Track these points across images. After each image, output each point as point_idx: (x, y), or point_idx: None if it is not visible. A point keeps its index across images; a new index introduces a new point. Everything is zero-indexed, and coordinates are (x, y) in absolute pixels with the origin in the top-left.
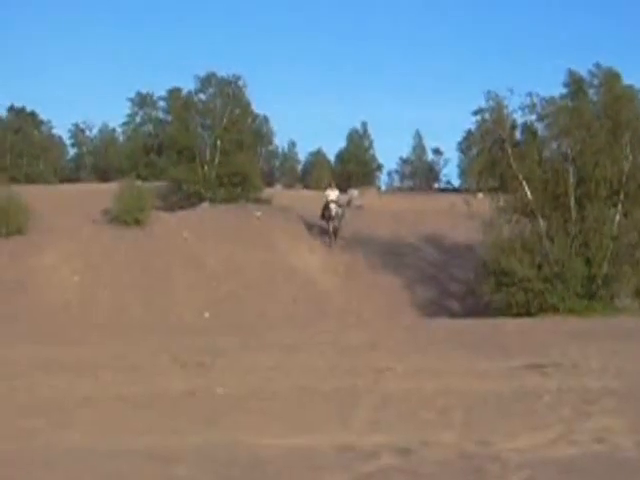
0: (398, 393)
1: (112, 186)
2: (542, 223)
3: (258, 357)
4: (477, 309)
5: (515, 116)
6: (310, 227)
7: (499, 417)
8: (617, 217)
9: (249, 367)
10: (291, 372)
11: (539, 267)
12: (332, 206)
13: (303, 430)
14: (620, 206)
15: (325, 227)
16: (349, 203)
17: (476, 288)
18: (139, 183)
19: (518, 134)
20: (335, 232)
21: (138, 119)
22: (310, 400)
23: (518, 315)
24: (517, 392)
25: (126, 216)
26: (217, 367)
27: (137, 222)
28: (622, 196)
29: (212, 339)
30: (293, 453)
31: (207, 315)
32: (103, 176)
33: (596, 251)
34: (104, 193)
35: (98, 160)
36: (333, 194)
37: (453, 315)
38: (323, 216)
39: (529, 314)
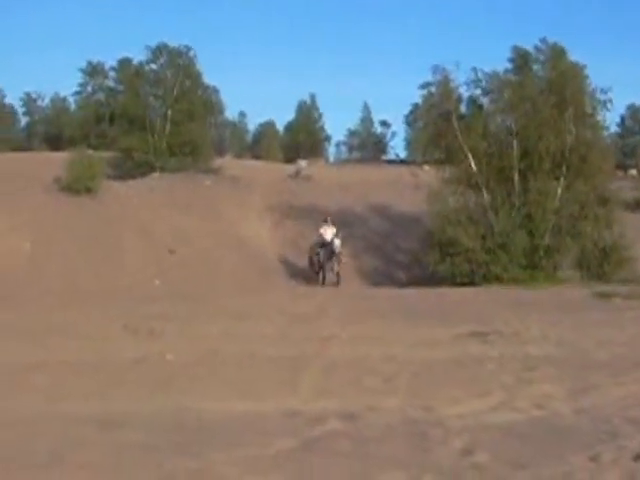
0: (344, 360)
1: (64, 155)
2: (486, 195)
3: (208, 324)
4: (422, 279)
5: (461, 90)
6: (259, 197)
7: (442, 384)
8: (559, 190)
9: (199, 334)
10: (240, 339)
11: (483, 238)
12: (337, 242)
13: (251, 396)
14: (562, 179)
15: (313, 269)
16: (297, 174)
17: (421, 258)
18: (90, 152)
19: (464, 108)
20: (335, 272)
21: (89, 89)
22: (258, 367)
23: (462, 285)
24: (460, 359)
25: (77, 185)
26: (167, 334)
27: (88, 191)
28: (564, 169)
29: (162, 307)
30: (242, 418)
31: (157, 283)
32: (55, 145)
33: (539, 223)
34: (56, 162)
35: (50, 129)
36: (330, 232)
37: (399, 284)
38: (312, 262)
39: (473, 284)
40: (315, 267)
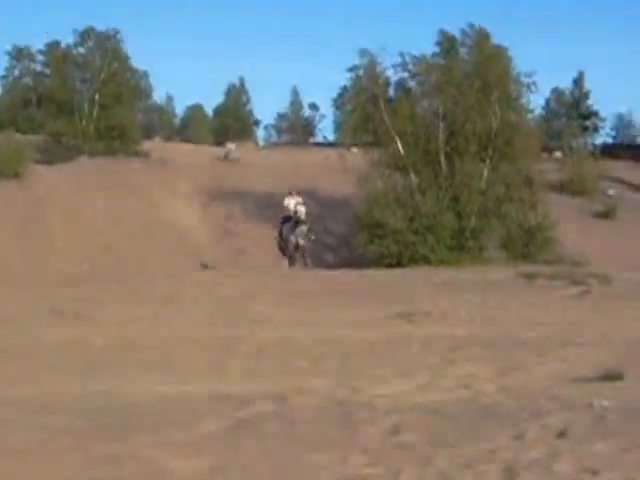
0: (274, 342)
1: None
2: (414, 177)
3: (135, 308)
4: (351, 260)
5: (389, 74)
6: (188, 180)
7: (371, 364)
8: (485, 172)
9: (126, 318)
10: (168, 323)
11: (411, 220)
12: (301, 208)
13: (179, 379)
14: (488, 161)
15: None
16: (226, 157)
17: (350, 240)
18: (18, 136)
19: (391, 91)
20: (301, 249)
21: (16, 72)
22: (186, 350)
23: (390, 266)
24: (388, 340)
25: (5, 169)
26: (95, 318)
27: (16, 175)
28: (490, 152)
29: (90, 291)
30: (170, 401)
31: (85, 267)
32: None
33: (465, 205)
34: None
35: None
36: (294, 203)
37: (328, 266)
38: (280, 246)
39: (401, 265)
40: (283, 250)
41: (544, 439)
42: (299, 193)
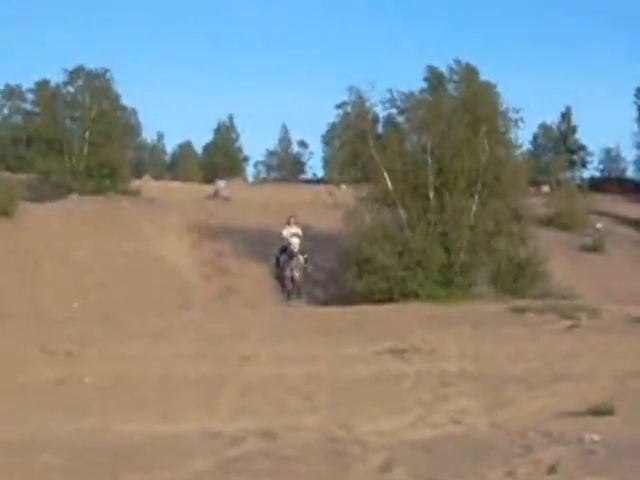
0: (264, 379)
1: None
2: (402, 213)
3: (126, 346)
4: (341, 296)
5: (377, 110)
6: (178, 217)
7: (362, 401)
8: (474, 207)
9: (117, 356)
10: (158, 360)
11: (400, 255)
12: (294, 240)
13: (170, 417)
14: (477, 196)
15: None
16: (216, 194)
17: (340, 276)
18: (7, 174)
19: (380, 127)
20: (295, 282)
21: (6, 111)
22: (177, 387)
23: (380, 302)
24: (379, 377)
25: None
26: (85, 356)
27: (5, 213)
28: (479, 187)
29: (81, 329)
30: (160, 440)
31: (76, 305)
32: None
33: (454, 240)
34: None
35: None
36: (290, 233)
37: (318, 302)
38: (278, 264)
39: (390, 301)
40: (279, 279)
41: (535, 475)
42: (297, 223)
